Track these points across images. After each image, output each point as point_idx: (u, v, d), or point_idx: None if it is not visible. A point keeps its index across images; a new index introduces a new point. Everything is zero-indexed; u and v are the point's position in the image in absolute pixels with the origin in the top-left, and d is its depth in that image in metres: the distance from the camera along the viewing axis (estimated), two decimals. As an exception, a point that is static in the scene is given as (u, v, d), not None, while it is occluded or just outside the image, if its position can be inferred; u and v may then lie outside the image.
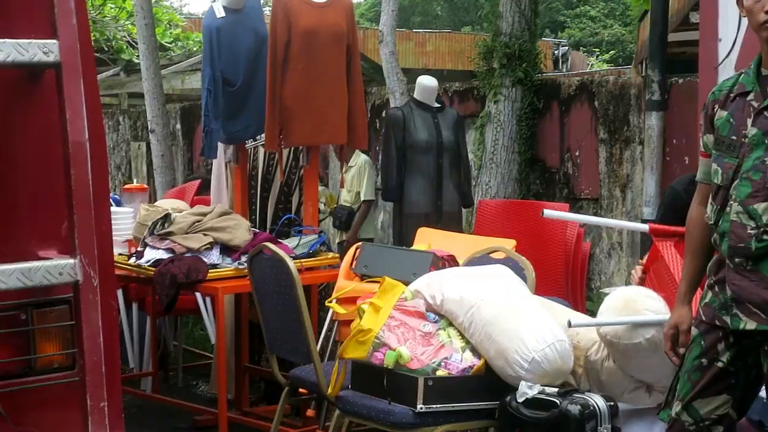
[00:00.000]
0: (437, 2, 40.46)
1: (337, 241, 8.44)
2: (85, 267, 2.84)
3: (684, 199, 4.97)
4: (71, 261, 2.84)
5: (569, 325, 4.34)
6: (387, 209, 9.19)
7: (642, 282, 4.76)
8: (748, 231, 3.38)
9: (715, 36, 5.92)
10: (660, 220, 5.14)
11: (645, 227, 4.89)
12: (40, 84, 2.96)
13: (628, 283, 8.66)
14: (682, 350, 3.70)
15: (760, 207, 3.36)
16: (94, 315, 2.87)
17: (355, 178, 8.41)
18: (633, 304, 4.28)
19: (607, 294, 4.70)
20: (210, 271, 5.74)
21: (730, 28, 5.72)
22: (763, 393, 3.67)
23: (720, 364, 3.50)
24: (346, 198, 8.49)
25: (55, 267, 2.84)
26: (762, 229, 3.35)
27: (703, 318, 3.59)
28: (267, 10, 7.46)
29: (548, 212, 5.08)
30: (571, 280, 6.44)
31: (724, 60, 5.79)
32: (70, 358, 3.02)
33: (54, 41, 2.83)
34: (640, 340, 4.19)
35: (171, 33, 17.57)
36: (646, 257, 4.87)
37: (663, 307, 4.21)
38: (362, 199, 8.33)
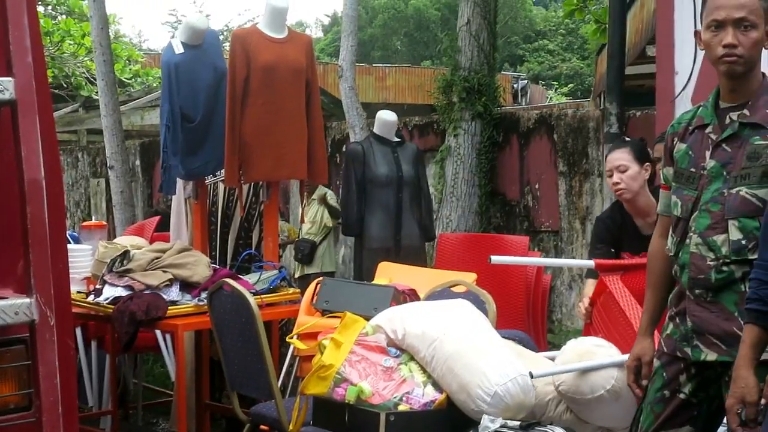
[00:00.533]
0: (397, 37, 40.71)
1: (298, 275, 8.43)
2: (41, 306, 2.82)
3: (609, 225, 5.19)
4: (27, 300, 2.82)
5: (531, 376, 4.34)
6: (348, 244, 9.20)
7: (589, 315, 4.87)
8: (708, 262, 3.41)
9: (672, 69, 5.99)
10: (592, 252, 5.23)
11: (591, 263, 4.96)
12: (-5, 121, 2.95)
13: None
14: (644, 382, 3.71)
15: (719, 239, 3.39)
16: (50, 354, 2.84)
17: (317, 213, 8.43)
18: (588, 356, 4.32)
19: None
20: (170, 308, 5.70)
21: (686, 61, 5.79)
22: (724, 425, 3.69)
23: (682, 396, 3.52)
24: (309, 231, 8.49)
25: (10, 306, 2.81)
26: (721, 261, 3.38)
27: (665, 350, 3.61)
28: (226, 46, 7.47)
29: (495, 258, 5.10)
30: (532, 313, 6.46)
31: (680, 93, 5.86)
32: (26, 398, 3.00)
33: (9, 79, 2.82)
34: (602, 393, 4.22)
35: (130, 69, 17.58)
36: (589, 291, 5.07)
37: (616, 353, 4.31)
38: (323, 224, 8.36)
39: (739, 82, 3.45)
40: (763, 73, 3.53)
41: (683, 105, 5.55)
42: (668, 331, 3.62)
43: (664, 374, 3.59)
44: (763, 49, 3.44)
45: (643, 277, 4.02)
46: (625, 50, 7.84)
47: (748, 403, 3.02)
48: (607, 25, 8.06)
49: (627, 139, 4.91)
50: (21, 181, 2.80)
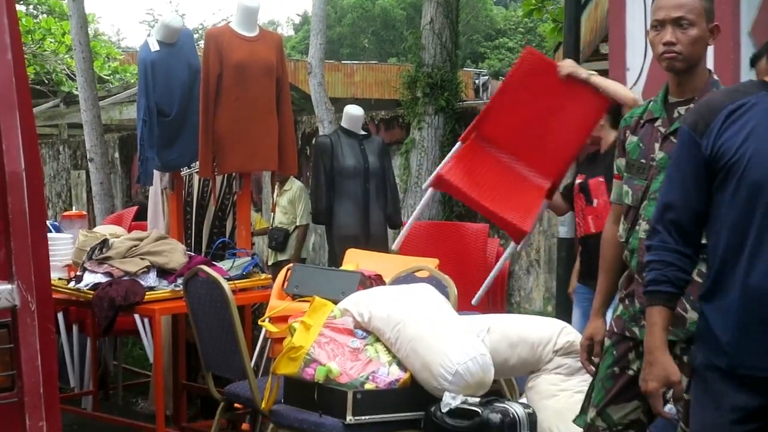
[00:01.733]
0: (364, 35, 40.66)
1: (271, 262, 8.42)
2: (22, 292, 2.82)
3: None
4: (9, 286, 2.81)
5: None
6: (318, 232, 9.21)
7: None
8: None
9: (624, 65, 6.03)
10: None
11: None
12: (-24, 117, 2.93)
13: (546, 298, 8.76)
14: (596, 360, 3.75)
15: None
16: (31, 338, 2.84)
17: (290, 203, 8.41)
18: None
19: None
20: (147, 293, 5.69)
21: (636, 58, 5.82)
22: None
23: (631, 372, 3.54)
24: (282, 220, 8.49)
25: (-8, 293, 2.81)
26: None
27: (615, 329, 3.64)
28: (200, 44, 7.46)
29: (475, 301, 5.35)
30: (491, 297, 6.49)
31: (631, 87, 5.88)
32: (8, 379, 2.99)
33: (-11, 76, 2.81)
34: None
35: (109, 66, 17.48)
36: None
37: None
38: (298, 223, 8.34)
39: (685, 78, 3.49)
40: (710, 70, 3.56)
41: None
42: (618, 312, 3.66)
43: (614, 352, 3.62)
44: (708, 45, 3.49)
45: None
46: (580, 48, 7.85)
47: (673, 382, 3.01)
48: (563, 25, 8.07)
49: None
50: (1, 173, 2.79)
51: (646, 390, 3.02)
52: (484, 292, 5.62)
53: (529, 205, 5.34)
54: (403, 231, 6.12)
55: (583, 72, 5.36)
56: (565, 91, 5.38)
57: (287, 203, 8.44)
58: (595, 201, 5.52)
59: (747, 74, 5.27)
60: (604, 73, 6.04)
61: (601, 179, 5.43)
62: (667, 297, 2.97)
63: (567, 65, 5.50)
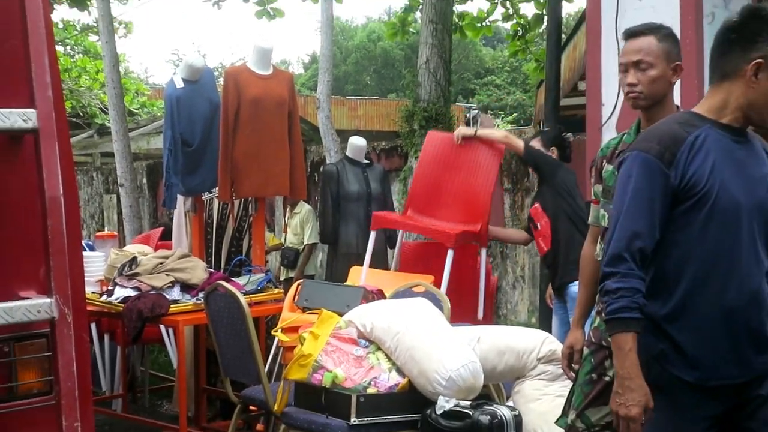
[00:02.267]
0: (367, 73, 40.74)
1: (283, 278, 8.41)
2: (60, 305, 2.81)
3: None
4: (48, 300, 2.81)
5: None
6: (325, 250, 9.18)
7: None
8: None
9: (599, 101, 6.03)
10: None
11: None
12: (20, 147, 2.94)
13: (530, 311, 8.74)
14: (576, 367, 3.74)
15: None
16: (68, 346, 2.84)
17: (299, 224, 8.41)
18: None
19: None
20: (171, 306, 5.69)
21: (611, 94, 5.83)
22: None
23: (607, 378, 3.53)
24: (292, 241, 8.49)
25: (33, 306, 2.80)
26: None
27: (593, 339, 3.65)
28: (220, 81, 7.48)
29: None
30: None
31: (606, 121, 5.90)
32: (47, 384, 2.98)
33: (32, 110, 2.81)
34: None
35: (138, 100, 17.53)
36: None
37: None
38: (305, 242, 8.33)
39: (652, 113, 3.47)
40: (677, 106, 3.57)
41: (609, 132, 5.59)
42: (595, 324, 3.66)
43: (592, 360, 3.62)
44: (672, 83, 3.53)
45: None
46: (560, 85, 7.87)
47: (650, 408, 2.81)
48: (544, 64, 8.09)
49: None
50: (42, 197, 2.79)
51: (627, 415, 2.78)
52: (482, 305, 5.70)
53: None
54: (396, 252, 6.28)
55: (469, 130, 6.35)
56: (465, 150, 6.29)
57: (297, 225, 8.44)
58: (539, 224, 5.76)
59: (711, 109, 5.29)
60: (581, 107, 6.06)
61: (537, 205, 5.88)
62: (638, 324, 2.79)
63: (458, 131, 6.38)
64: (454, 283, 5.94)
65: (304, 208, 8.42)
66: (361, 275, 6.14)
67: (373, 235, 6.43)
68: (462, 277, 6.17)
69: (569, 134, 6.59)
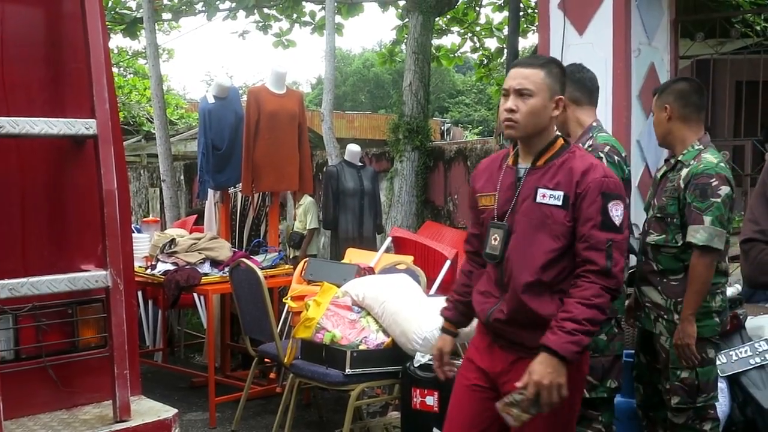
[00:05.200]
0: (362, 93, 40.65)
1: (291, 256, 8.41)
2: (113, 277, 2.82)
3: None
4: (104, 272, 2.82)
5: None
6: (326, 235, 9.18)
7: None
8: None
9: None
10: None
11: None
12: (83, 149, 2.95)
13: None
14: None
15: None
16: (119, 310, 2.85)
17: (303, 213, 8.40)
18: None
19: None
20: (203, 278, 5.69)
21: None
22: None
23: None
24: (298, 226, 8.48)
25: (92, 277, 2.82)
26: None
27: None
28: (244, 98, 7.47)
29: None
30: (445, 283, 6.47)
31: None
32: (102, 339, 3.00)
33: (93, 120, 2.82)
34: None
35: (177, 112, 17.46)
36: None
37: None
38: (307, 227, 8.32)
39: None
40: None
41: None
42: None
43: None
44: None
45: None
46: (516, 105, 7.86)
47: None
48: (504, 88, 8.08)
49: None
50: (100, 191, 2.80)
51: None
52: (438, 286, 5.65)
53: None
54: (388, 239, 6.29)
55: None
56: None
57: (301, 213, 8.43)
58: None
59: (636, 128, 5.30)
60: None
61: None
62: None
63: None
64: (429, 262, 5.95)
65: (306, 199, 8.40)
66: (354, 255, 6.14)
67: (388, 240, 6.46)
68: (437, 257, 6.17)
69: None
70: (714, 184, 3.37)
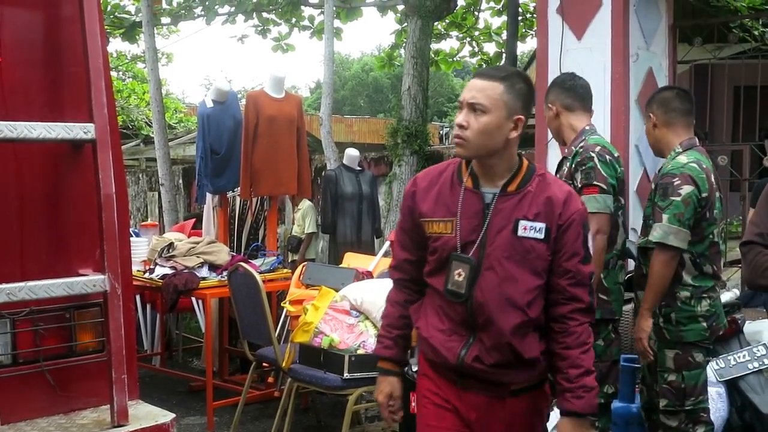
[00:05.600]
0: (361, 97, 40.68)
1: (289, 260, 8.40)
2: (111, 281, 2.82)
3: None
4: (102, 277, 2.82)
5: None
6: (324, 239, 9.18)
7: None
8: None
9: (546, 136, 6.04)
10: None
11: None
12: (81, 153, 2.95)
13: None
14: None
15: None
16: (117, 314, 2.85)
17: (302, 217, 8.39)
18: None
19: None
20: (201, 282, 5.69)
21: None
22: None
23: None
24: (296, 231, 8.47)
25: (90, 281, 2.81)
26: None
27: None
28: (243, 102, 7.47)
29: None
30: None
31: (551, 139, 5.90)
32: (100, 343, 3.00)
33: (91, 124, 2.82)
34: None
35: (176, 116, 17.46)
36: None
37: None
38: (306, 232, 8.32)
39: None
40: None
41: (553, 147, 5.59)
42: None
43: None
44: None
45: None
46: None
47: None
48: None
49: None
50: (98, 195, 2.80)
51: None
52: None
53: None
54: (386, 244, 6.26)
55: None
56: None
57: (300, 217, 8.43)
58: None
59: (635, 132, 5.30)
60: (531, 127, 6.08)
61: None
62: None
63: None
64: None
65: (305, 204, 8.40)
66: (353, 259, 6.13)
67: (387, 244, 6.40)
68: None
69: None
70: (676, 183, 3.44)
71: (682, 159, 3.54)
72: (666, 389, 3.54)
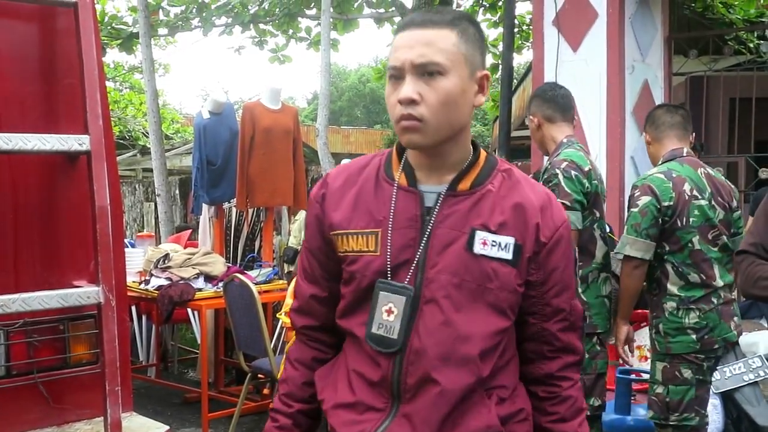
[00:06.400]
0: (357, 108, 40.76)
1: (286, 271, 8.38)
2: (105, 293, 2.81)
3: None
4: (96, 288, 2.81)
5: None
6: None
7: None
8: None
9: (541, 134, 6.05)
10: None
11: None
12: (76, 165, 2.94)
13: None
14: None
15: None
16: (111, 326, 2.84)
17: (299, 228, 8.37)
18: None
19: None
20: (196, 293, 5.68)
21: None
22: None
23: None
24: (292, 242, 8.46)
25: (84, 293, 2.80)
26: None
27: None
28: (239, 113, 7.47)
29: None
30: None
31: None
32: (94, 355, 2.99)
33: (86, 136, 2.82)
34: None
35: (173, 127, 17.49)
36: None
37: None
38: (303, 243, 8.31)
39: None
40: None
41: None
42: None
43: None
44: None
45: None
46: (511, 120, 7.88)
47: None
48: (499, 103, 8.11)
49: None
50: (93, 206, 2.79)
51: None
52: None
53: None
54: None
55: None
56: None
57: (297, 229, 8.42)
58: None
59: (630, 144, 5.32)
60: (528, 138, 6.07)
61: None
62: None
63: None
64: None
65: (302, 215, 8.39)
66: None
67: None
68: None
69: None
70: (636, 194, 3.53)
71: (652, 171, 3.63)
72: (653, 401, 3.59)
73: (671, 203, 3.48)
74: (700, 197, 3.52)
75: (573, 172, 3.38)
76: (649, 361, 4.41)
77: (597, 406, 3.50)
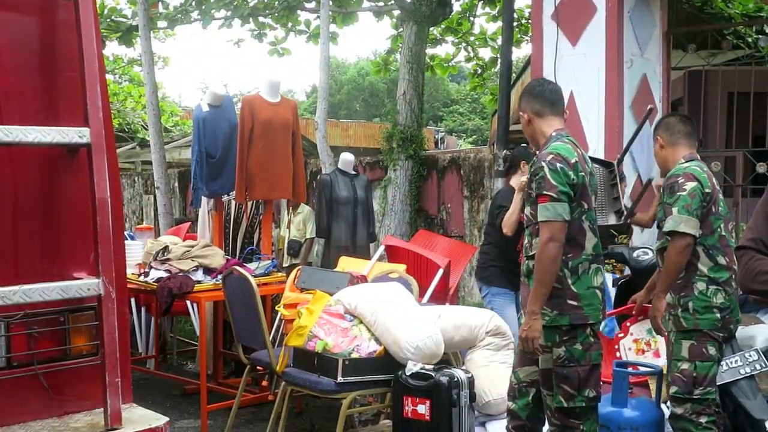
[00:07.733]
0: (356, 101, 40.70)
1: (286, 264, 8.39)
2: (105, 285, 2.82)
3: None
4: (96, 281, 2.81)
5: None
6: (319, 243, 9.18)
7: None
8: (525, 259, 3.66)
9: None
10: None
11: None
12: (76, 157, 2.95)
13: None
14: None
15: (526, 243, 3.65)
16: (111, 318, 2.85)
17: (302, 222, 8.38)
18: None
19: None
20: (196, 285, 5.68)
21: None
22: None
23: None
24: (296, 235, 8.46)
25: (84, 285, 2.81)
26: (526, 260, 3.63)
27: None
28: (238, 106, 7.46)
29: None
30: (445, 292, 6.46)
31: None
32: (94, 347, 3.00)
33: (87, 128, 2.82)
34: None
35: (172, 119, 17.45)
36: None
37: None
38: (307, 237, 8.32)
39: None
40: None
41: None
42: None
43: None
44: None
45: None
46: (509, 114, 7.90)
47: None
48: (498, 97, 8.12)
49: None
50: (93, 199, 2.80)
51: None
52: (430, 295, 5.65)
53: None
54: (381, 247, 6.27)
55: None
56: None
57: (300, 222, 8.41)
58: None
59: (629, 137, 5.31)
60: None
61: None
62: None
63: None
64: (421, 271, 5.94)
65: (305, 209, 8.39)
66: (347, 263, 6.13)
67: (381, 248, 6.40)
68: (429, 265, 6.17)
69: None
70: (680, 181, 3.82)
71: (686, 164, 3.93)
72: (677, 377, 3.79)
73: (710, 191, 3.84)
74: (720, 192, 3.91)
75: (558, 165, 3.45)
76: (645, 354, 4.45)
77: (592, 397, 3.54)
